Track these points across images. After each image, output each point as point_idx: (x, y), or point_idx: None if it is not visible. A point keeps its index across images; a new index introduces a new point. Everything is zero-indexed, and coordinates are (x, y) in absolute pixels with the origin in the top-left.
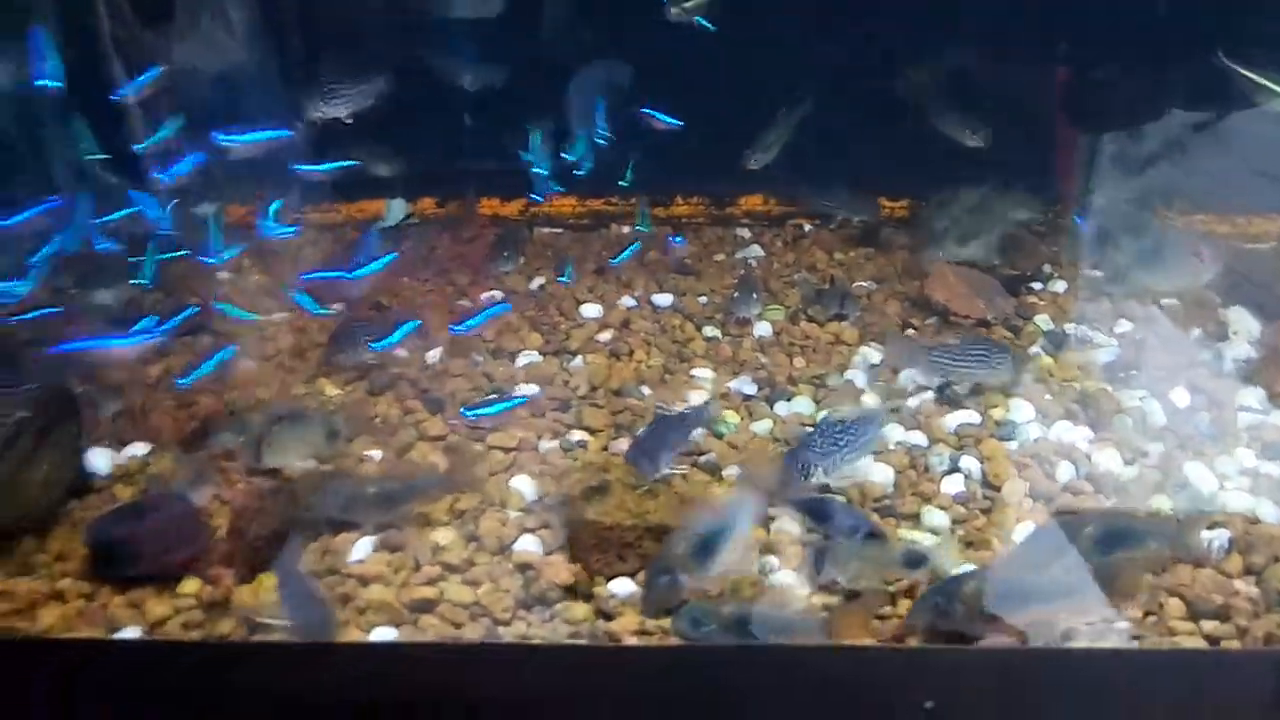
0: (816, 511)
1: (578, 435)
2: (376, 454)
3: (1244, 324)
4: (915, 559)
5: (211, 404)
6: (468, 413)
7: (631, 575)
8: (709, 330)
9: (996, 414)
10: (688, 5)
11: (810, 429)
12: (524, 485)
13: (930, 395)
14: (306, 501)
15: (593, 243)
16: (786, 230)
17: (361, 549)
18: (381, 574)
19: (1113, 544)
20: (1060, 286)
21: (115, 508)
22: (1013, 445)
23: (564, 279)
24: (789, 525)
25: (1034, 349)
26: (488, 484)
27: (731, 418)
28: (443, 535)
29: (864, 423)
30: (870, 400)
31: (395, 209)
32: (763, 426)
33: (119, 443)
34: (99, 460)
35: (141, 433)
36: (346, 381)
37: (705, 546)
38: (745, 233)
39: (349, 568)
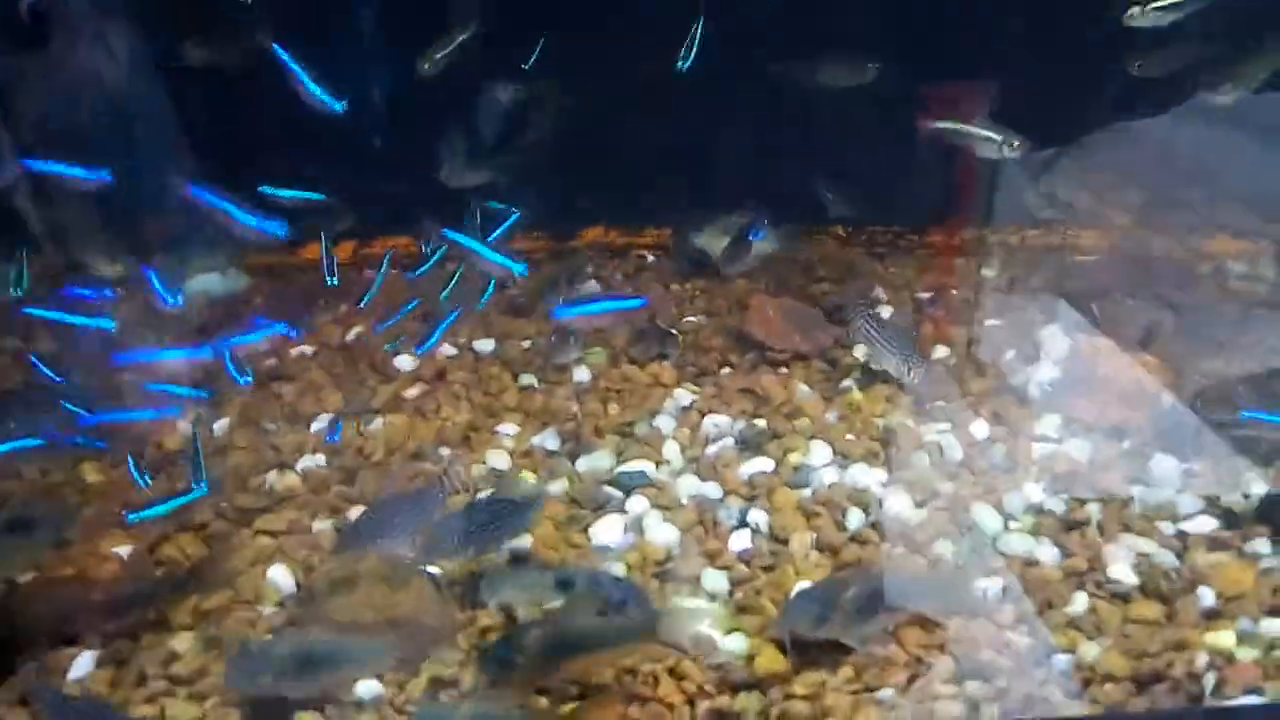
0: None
1: (357, 511)
2: (125, 550)
3: (1055, 344)
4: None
5: None
6: None
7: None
8: (526, 378)
9: (794, 459)
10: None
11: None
12: (281, 577)
13: (730, 442)
14: (29, 614)
15: (426, 284)
16: (630, 261)
17: (83, 665)
18: (100, 693)
19: (873, 605)
20: (886, 312)
21: None
22: (806, 492)
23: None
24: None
25: (845, 382)
26: (241, 577)
27: (528, 478)
28: (180, 642)
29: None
30: (672, 448)
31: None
32: (558, 487)
33: None
34: None
35: None
36: (113, 463)
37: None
38: (590, 266)
39: (67, 686)
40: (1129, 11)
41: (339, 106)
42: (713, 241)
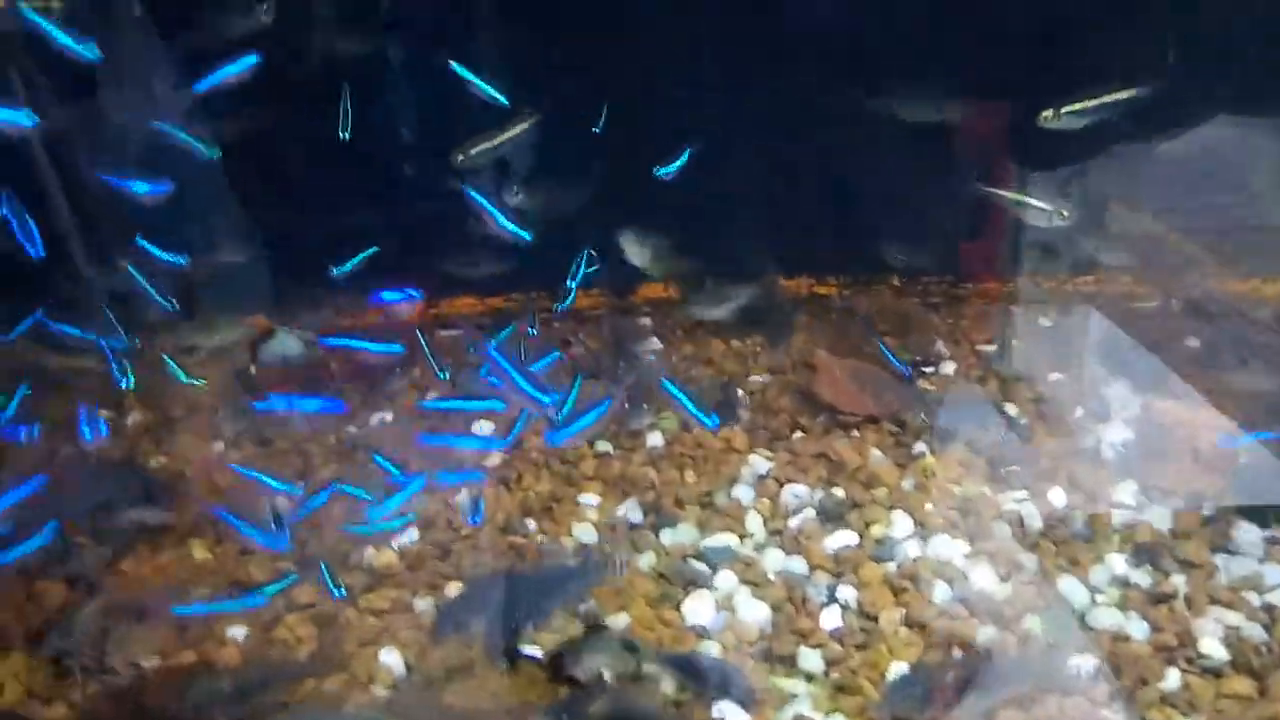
0: (687, 667)
1: (455, 588)
2: (240, 632)
3: (1125, 402)
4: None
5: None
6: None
7: None
8: (601, 444)
9: (876, 531)
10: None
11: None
12: (393, 659)
13: (812, 514)
14: (159, 703)
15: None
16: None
17: None
18: None
19: (973, 687)
20: (950, 368)
21: None
22: (891, 566)
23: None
24: (665, 686)
25: (918, 446)
26: (355, 660)
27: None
28: None
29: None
30: (755, 521)
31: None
32: (646, 561)
33: None
34: None
35: None
36: (218, 540)
37: None
38: (648, 321)
39: None
40: (1042, 114)
41: (528, 236)
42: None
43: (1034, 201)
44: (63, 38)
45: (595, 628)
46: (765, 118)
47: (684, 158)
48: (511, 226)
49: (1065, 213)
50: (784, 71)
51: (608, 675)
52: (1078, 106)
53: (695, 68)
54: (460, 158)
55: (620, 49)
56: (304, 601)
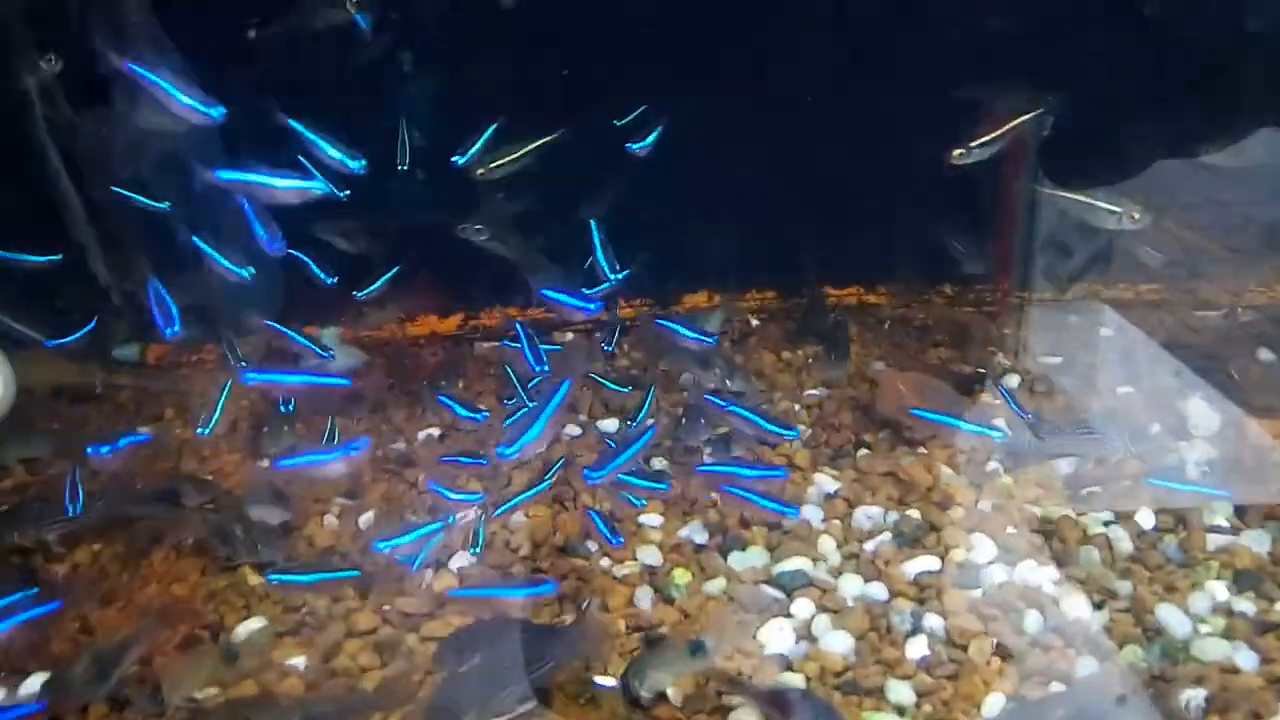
0: (776, 701)
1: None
2: (300, 661)
3: (1202, 417)
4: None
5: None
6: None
7: None
8: (656, 461)
9: (957, 555)
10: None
11: None
12: None
13: (888, 537)
14: None
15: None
16: (733, 327)
17: None
18: None
19: None
20: (1014, 382)
21: None
22: (977, 594)
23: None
24: (747, 717)
25: (991, 465)
26: (421, 691)
27: (682, 577)
28: None
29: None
30: (827, 544)
31: (328, 337)
32: (716, 585)
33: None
34: None
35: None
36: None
37: None
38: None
39: None
40: (955, 152)
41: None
42: None
43: (1102, 204)
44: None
45: (655, 640)
46: (809, 121)
47: (655, 134)
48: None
49: (1136, 215)
50: (826, 71)
51: (671, 693)
52: (986, 139)
53: (735, 71)
54: (480, 171)
55: (659, 55)
56: (364, 628)
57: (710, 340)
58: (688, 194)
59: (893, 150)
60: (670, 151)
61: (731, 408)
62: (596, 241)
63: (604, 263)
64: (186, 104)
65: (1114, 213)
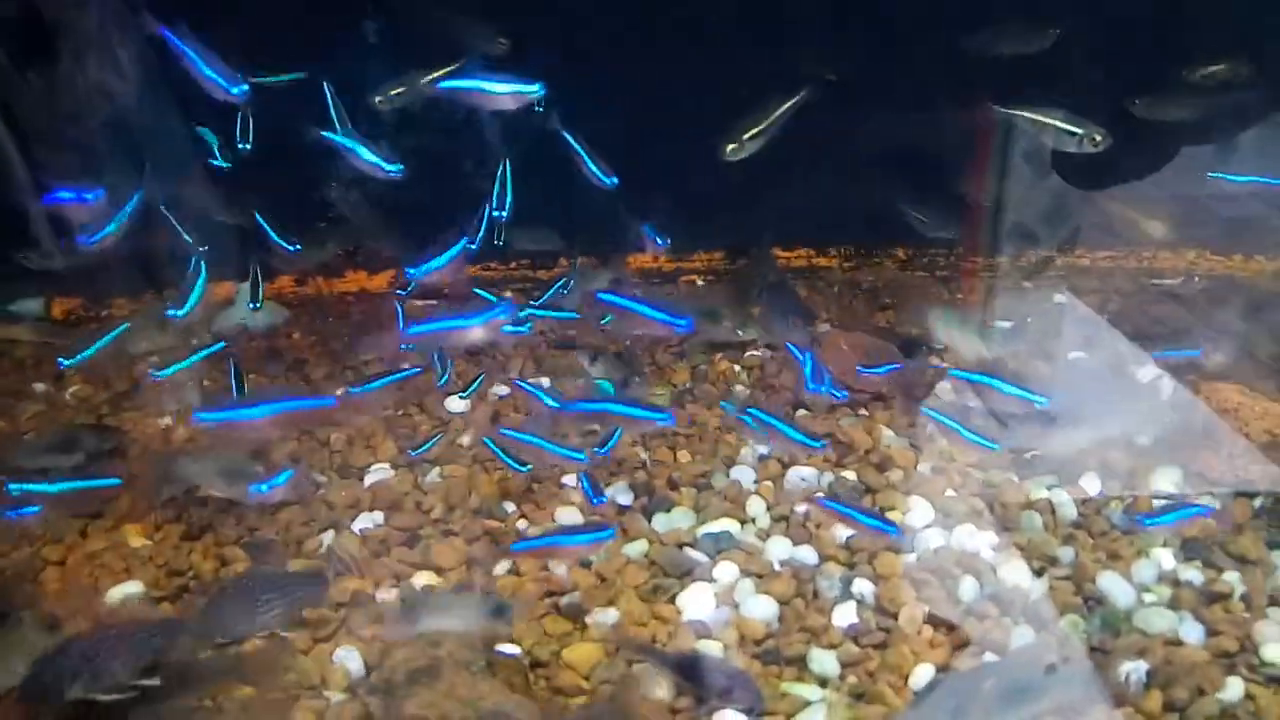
0: (686, 669)
1: (423, 578)
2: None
3: (1156, 383)
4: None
5: None
6: None
7: None
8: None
9: (893, 518)
10: None
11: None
12: (350, 659)
13: (820, 498)
14: None
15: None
16: (679, 287)
17: None
18: None
19: (1015, 701)
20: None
21: None
22: (911, 558)
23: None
24: (657, 690)
25: (931, 428)
26: (302, 657)
27: None
28: None
29: None
30: (756, 506)
31: (243, 294)
32: (636, 549)
33: None
34: None
35: None
36: (157, 525)
37: None
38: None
39: None
40: (728, 147)
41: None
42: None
43: (1062, 123)
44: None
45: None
46: (765, 81)
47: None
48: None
49: (1098, 137)
50: (785, 36)
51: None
52: (755, 130)
53: (696, 34)
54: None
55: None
56: None
57: (683, 325)
58: (638, 151)
59: (853, 111)
60: (623, 108)
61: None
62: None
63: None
64: (211, 78)
65: (1074, 134)
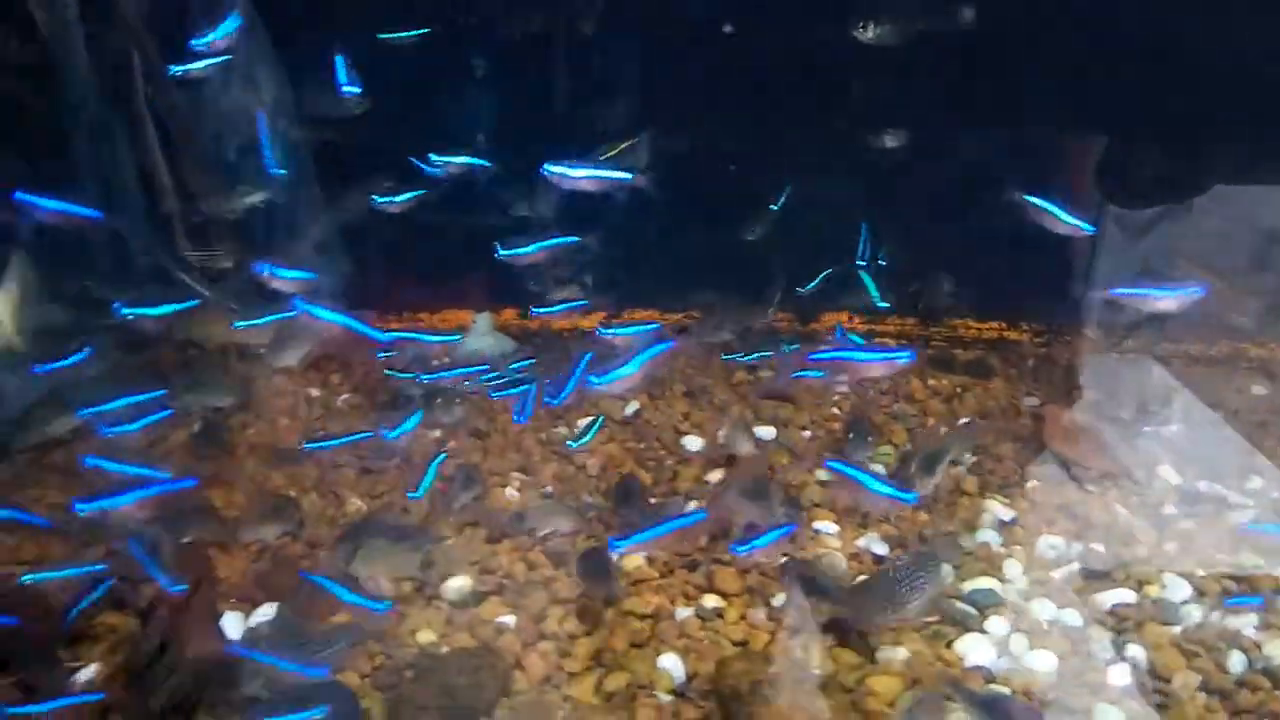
0: (992, 707)
1: (711, 601)
2: (509, 619)
3: None
4: None
5: None
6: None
7: None
8: (822, 473)
9: (1152, 591)
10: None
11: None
12: (671, 664)
13: (1076, 567)
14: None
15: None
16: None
17: None
18: None
19: None
20: (1174, 427)
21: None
22: (1176, 630)
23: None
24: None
25: (1168, 509)
26: (633, 659)
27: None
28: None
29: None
30: (1013, 568)
31: (481, 323)
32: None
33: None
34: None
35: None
36: (461, 526)
37: None
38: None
39: None
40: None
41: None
42: None
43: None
44: None
45: None
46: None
47: None
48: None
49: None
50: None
51: None
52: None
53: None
54: None
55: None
56: (564, 595)
57: (906, 356)
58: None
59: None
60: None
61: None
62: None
63: None
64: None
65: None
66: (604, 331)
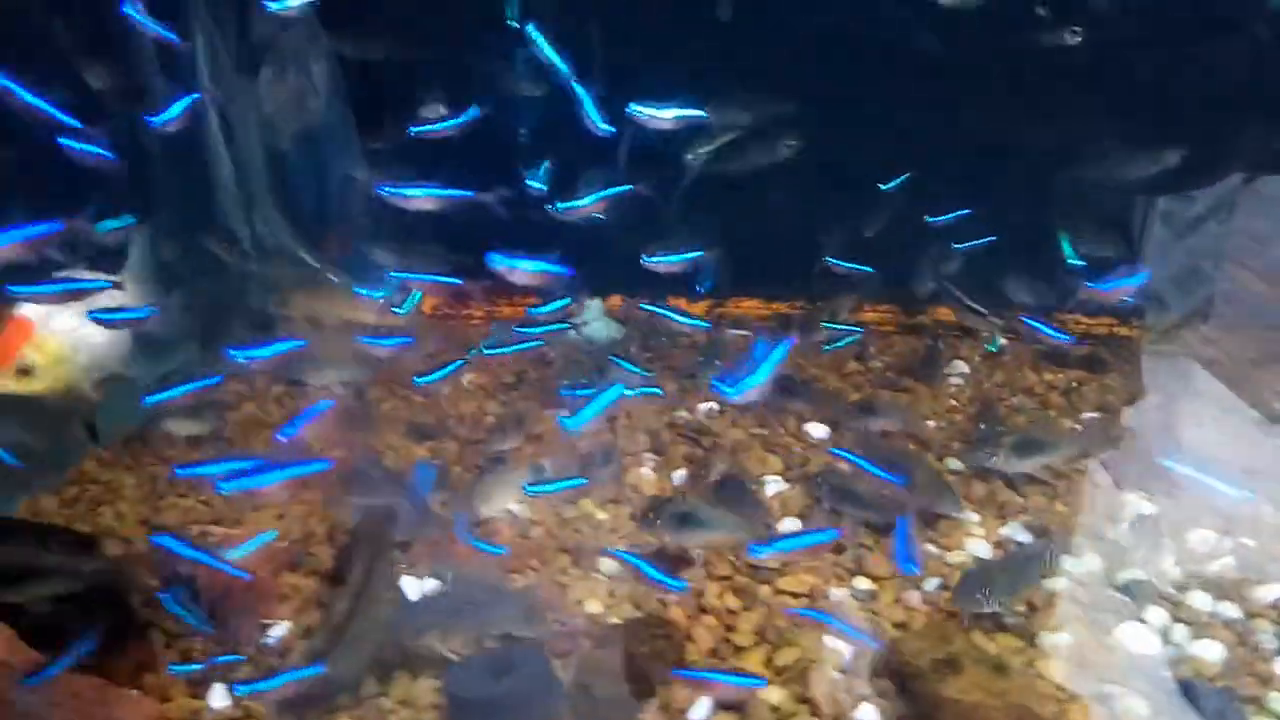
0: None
1: (864, 584)
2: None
3: None
4: None
5: None
6: None
7: None
8: (951, 462)
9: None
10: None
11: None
12: (838, 643)
13: (1231, 562)
14: None
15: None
16: (978, 343)
17: (700, 710)
18: None
19: None
20: None
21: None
22: None
23: None
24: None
25: None
26: (800, 635)
27: None
28: (773, 693)
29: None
30: (1166, 561)
31: (594, 309)
32: (1059, 585)
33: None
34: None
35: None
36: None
37: None
38: (939, 344)
39: None
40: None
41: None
42: None
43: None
44: None
45: None
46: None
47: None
48: None
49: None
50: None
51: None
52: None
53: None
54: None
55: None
56: (720, 573)
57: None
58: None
59: None
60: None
61: None
62: None
63: None
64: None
65: None
66: None
